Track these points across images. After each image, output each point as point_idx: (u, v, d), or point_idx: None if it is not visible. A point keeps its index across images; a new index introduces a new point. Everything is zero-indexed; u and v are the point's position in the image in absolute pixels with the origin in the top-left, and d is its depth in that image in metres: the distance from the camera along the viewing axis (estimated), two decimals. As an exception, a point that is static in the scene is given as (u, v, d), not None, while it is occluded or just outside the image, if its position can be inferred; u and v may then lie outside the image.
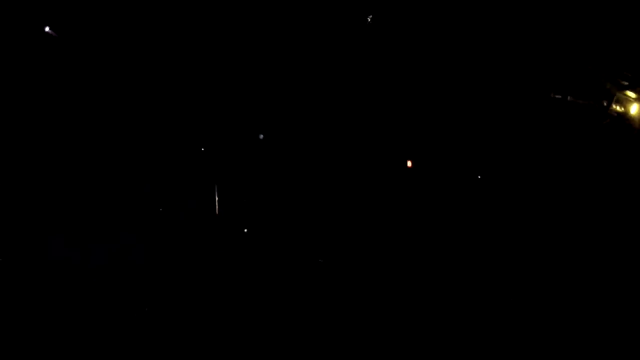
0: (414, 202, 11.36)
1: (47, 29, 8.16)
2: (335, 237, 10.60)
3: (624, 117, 7.99)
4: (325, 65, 10.46)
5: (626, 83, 7.91)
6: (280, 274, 9.19)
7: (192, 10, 9.21)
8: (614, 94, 7.93)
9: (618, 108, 8.05)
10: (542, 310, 7.41)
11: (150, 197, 9.86)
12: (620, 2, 7.36)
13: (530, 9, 8.28)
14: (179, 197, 10.64)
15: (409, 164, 12.42)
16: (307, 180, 10.67)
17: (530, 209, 9.67)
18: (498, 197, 10.53)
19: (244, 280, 9.58)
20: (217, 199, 11.57)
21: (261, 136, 11.31)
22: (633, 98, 7.88)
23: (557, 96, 8.76)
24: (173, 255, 9.65)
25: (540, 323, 7.31)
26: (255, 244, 11.05)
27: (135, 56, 9.41)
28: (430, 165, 11.67)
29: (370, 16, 8.19)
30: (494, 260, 8.38)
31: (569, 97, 8.64)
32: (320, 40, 9.73)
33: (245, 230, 11.62)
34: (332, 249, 10.09)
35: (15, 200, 7.51)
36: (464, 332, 7.64)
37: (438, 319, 7.78)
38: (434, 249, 9.51)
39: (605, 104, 8.10)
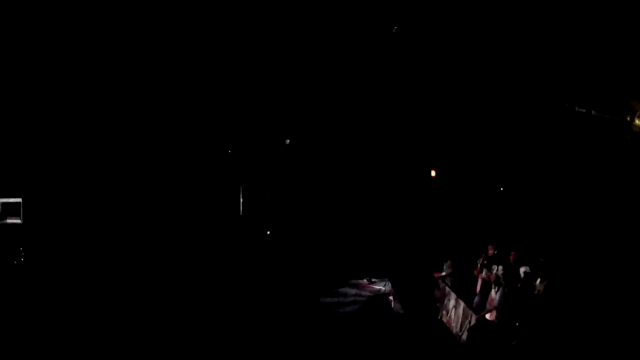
0: (437, 210, 11.40)
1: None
2: (356, 242, 10.71)
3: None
4: (354, 77, 10.59)
5: (650, 99, 7.79)
6: (299, 275, 9.31)
7: (226, 22, 9.43)
8: (637, 109, 7.82)
9: (641, 123, 7.93)
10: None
11: (176, 197, 10.09)
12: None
13: (556, 27, 8.31)
14: (205, 198, 10.86)
15: (433, 173, 12.50)
16: (330, 187, 10.78)
17: (553, 220, 9.65)
18: (520, 208, 10.52)
19: (263, 280, 9.73)
20: (241, 200, 11.80)
21: (288, 141, 11.52)
22: (656, 114, 7.74)
23: (581, 110, 8.72)
24: (196, 253, 9.84)
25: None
26: (276, 246, 11.21)
27: (166, 63, 9.67)
28: (454, 175, 11.71)
29: (395, 27, 8.26)
30: (511, 265, 8.37)
31: (593, 112, 8.59)
32: (347, 51, 9.86)
33: (268, 232, 11.81)
34: (351, 254, 10.19)
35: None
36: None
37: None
38: (455, 253, 9.55)
39: (628, 119, 8.00)
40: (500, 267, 7.55)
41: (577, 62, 8.48)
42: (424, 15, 8.77)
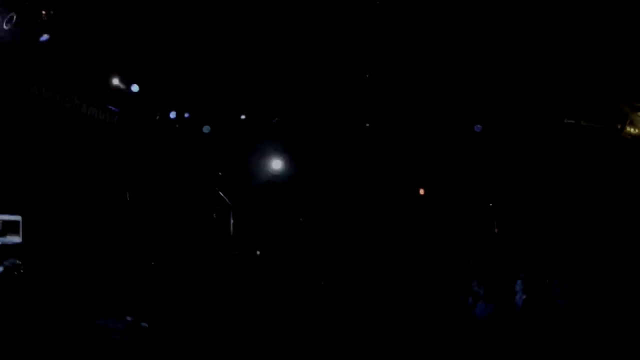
0: (427, 228, 11.39)
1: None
2: (346, 261, 10.61)
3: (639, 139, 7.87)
4: (343, 100, 10.59)
5: (639, 104, 7.82)
6: (288, 294, 9.15)
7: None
8: (628, 115, 7.83)
9: (632, 130, 7.96)
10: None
11: (168, 218, 9.96)
12: (631, 25, 7.30)
13: (542, 36, 8.32)
14: (195, 218, 10.73)
15: (422, 191, 12.50)
16: (320, 207, 10.69)
17: (545, 233, 9.66)
18: (512, 223, 10.54)
19: (254, 298, 9.56)
20: (232, 221, 11.66)
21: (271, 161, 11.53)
22: (648, 119, 7.75)
23: (571, 121, 8.73)
24: (188, 272, 9.68)
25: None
26: (266, 266, 11.08)
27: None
28: (443, 191, 11.72)
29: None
30: (504, 283, 8.36)
31: (582, 122, 8.60)
32: (336, 74, 9.87)
33: (258, 252, 11.68)
34: (340, 273, 10.08)
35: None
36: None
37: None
38: (446, 273, 9.50)
39: (619, 126, 8.00)
40: None
41: (564, 73, 8.48)
42: (402, 27, 8.80)
